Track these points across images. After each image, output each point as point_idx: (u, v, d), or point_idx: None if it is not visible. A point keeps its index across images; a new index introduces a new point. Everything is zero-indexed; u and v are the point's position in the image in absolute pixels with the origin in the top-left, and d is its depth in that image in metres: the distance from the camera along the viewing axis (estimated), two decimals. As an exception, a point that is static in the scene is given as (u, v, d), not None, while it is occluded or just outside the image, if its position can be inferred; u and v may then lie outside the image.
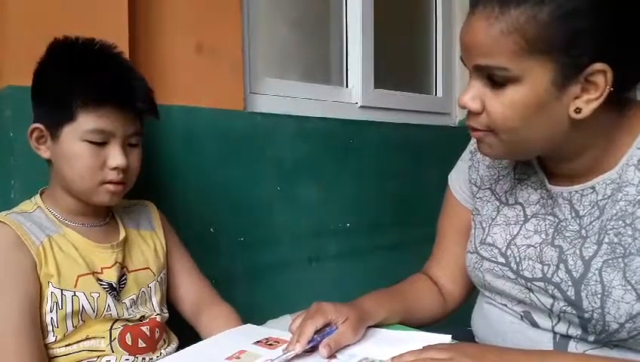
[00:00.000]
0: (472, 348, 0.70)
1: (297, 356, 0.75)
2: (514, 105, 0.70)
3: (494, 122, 0.72)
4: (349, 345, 0.80)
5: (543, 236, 0.81)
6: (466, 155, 0.99)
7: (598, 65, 0.66)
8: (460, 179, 0.99)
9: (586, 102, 0.69)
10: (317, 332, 0.78)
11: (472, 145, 0.98)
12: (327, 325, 0.80)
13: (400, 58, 2.01)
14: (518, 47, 0.67)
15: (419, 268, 1.07)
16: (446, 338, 0.81)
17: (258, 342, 0.82)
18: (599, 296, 0.71)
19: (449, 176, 1.02)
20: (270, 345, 0.81)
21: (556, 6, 0.65)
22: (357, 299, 0.89)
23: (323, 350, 0.76)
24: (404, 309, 0.93)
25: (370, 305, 0.88)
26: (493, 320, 0.88)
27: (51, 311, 0.84)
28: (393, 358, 0.71)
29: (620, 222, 0.72)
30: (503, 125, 0.72)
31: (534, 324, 0.81)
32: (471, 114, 0.75)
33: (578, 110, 0.69)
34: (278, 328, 0.92)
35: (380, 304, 0.90)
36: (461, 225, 0.97)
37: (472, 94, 0.73)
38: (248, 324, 0.95)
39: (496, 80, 0.70)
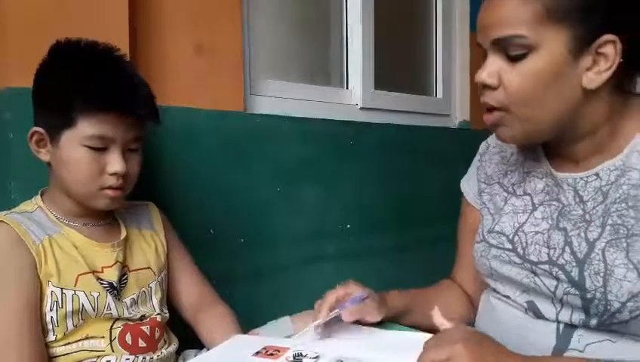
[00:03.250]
0: (472, 353, 0.67)
1: None
2: (531, 75, 0.72)
3: (511, 95, 0.74)
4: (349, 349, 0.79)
5: (550, 221, 0.83)
6: (475, 160, 1.03)
7: (609, 36, 0.70)
8: (470, 182, 1.02)
9: (597, 73, 0.72)
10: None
11: (481, 148, 1.02)
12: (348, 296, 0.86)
13: (400, 59, 2.01)
14: (536, 15, 0.70)
15: (419, 269, 1.07)
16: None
17: (257, 353, 0.78)
18: (602, 274, 0.73)
19: (461, 183, 1.05)
20: (271, 354, 0.77)
21: None
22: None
23: (345, 313, 0.83)
24: (423, 310, 0.94)
25: (391, 296, 0.94)
26: (498, 315, 0.89)
27: (51, 310, 0.84)
28: None
29: (623, 204, 0.75)
30: (519, 97, 0.74)
31: (538, 315, 0.81)
32: (486, 90, 0.77)
33: (590, 81, 0.72)
34: (277, 332, 0.89)
35: (400, 298, 0.96)
36: (475, 226, 0.99)
37: (489, 70, 0.76)
38: (237, 335, 0.90)
39: (513, 52, 0.73)
